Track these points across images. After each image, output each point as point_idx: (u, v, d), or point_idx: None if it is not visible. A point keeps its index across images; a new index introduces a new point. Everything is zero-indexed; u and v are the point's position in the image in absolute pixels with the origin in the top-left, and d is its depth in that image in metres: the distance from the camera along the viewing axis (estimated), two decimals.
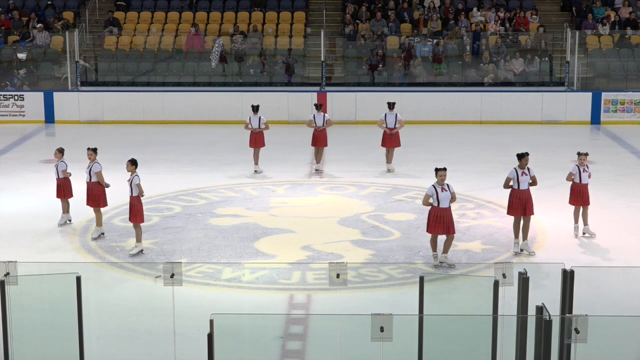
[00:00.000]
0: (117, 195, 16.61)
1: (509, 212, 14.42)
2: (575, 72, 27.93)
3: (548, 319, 8.20)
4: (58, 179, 15.89)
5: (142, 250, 14.30)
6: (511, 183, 14.28)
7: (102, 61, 29.34)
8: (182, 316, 10.60)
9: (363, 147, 23.20)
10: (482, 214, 16.66)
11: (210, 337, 8.06)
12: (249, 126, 20.09)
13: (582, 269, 10.51)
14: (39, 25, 29.67)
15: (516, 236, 14.37)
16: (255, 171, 20.07)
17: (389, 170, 20.26)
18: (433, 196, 13.46)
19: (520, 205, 14.17)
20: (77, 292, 9.45)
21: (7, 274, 9.35)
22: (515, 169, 14.25)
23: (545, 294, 10.16)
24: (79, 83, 28.23)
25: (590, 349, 8.24)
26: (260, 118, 20.07)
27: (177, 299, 9.79)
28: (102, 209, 15.33)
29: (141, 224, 14.36)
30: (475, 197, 17.85)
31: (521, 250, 14.29)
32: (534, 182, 14.30)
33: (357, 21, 30.06)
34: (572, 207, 15.28)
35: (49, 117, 27.41)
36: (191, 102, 27.56)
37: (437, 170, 13.53)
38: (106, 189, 15.29)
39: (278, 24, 30.79)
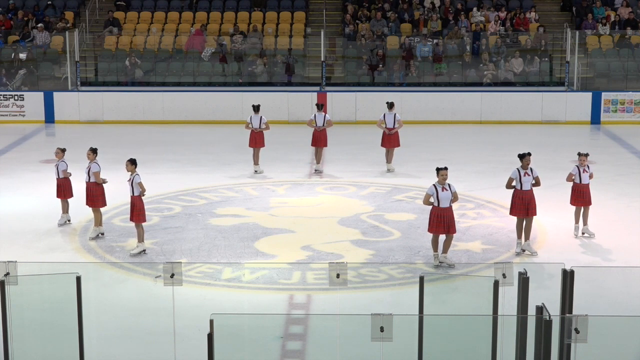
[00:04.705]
0: (117, 195, 16.63)
1: (511, 213, 14.41)
2: (575, 72, 27.94)
3: (548, 319, 8.20)
4: (58, 179, 15.88)
5: (144, 250, 14.26)
6: (513, 183, 14.27)
7: (102, 61, 29.34)
8: (182, 316, 10.60)
9: (363, 147, 23.20)
10: (482, 214, 16.66)
11: (210, 337, 8.06)
12: (250, 126, 20.07)
13: (582, 269, 10.51)
14: (39, 25, 29.68)
15: (519, 236, 14.35)
16: (255, 171, 20.06)
17: (389, 170, 20.26)
18: (433, 195, 13.47)
19: (522, 206, 14.15)
20: (77, 292, 9.45)
21: (7, 274, 9.35)
22: (517, 169, 14.25)
23: (546, 294, 10.16)
24: (79, 83, 28.24)
25: (590, 349, 8.24)
26: (261, 118, 20.06)
27: (177, 299, 9.79)
28: (101, 209, 15.32)
29: (143, 224, 14.35)
30: (475, 197, 17.85)
31: (523, 250, 14.29)
32: (537, 183, 14.30)
33: (357, 21, 30.07)
34: (573, 207, 15.28)
35: (49, 117, 27.41)
36: (191, 102, 27.56)
37: (438, 169, 13.53)
38: (105, 189, 15.28)
39: (278, 24, 30.80)
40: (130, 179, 14.17)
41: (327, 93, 27.32)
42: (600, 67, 28.89)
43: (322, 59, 28.17)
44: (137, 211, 14.14)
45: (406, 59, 28.68)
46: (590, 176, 15.17)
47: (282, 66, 28.86)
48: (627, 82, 28.27)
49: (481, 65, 28.52)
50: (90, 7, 31.43)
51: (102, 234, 15.22)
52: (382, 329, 7.85)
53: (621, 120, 27.05)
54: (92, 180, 15.15)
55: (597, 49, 29.15)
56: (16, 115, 27.42)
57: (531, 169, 14.24)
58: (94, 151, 15.27)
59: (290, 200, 17.79)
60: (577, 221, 15.21)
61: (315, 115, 20.49)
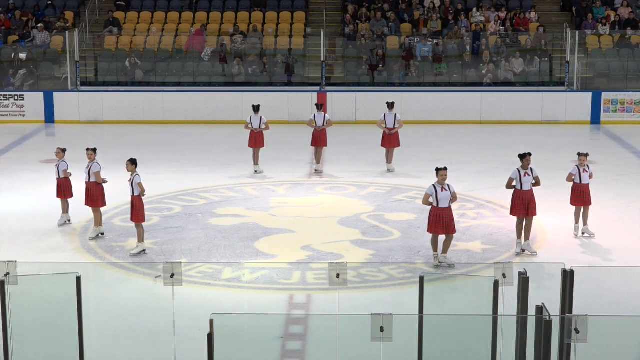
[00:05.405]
0: (117, 195, 16.63)
1: (511, 213, 14.41)
2: (575, 72, 27.94)
3: (548, 319, 8.20)
4: (58, 179, 15.88)
5: (144, 250, 14.26)
6: (514, 184, 14.27)
7: (102, 61, 29.34)
8: (182, 316, 10.60)
9: (363, 147, 23.20)
10: (482, 214, 16.66)
11: (210, 337, 8.06)
12: (250, 126, 20.08)
13: (582, 269, 10.52)
14: (39, 25, 29.68)
15: (519, 236, 14.36)
16: (255, 171, 20.06)
17: (389, 170, 20.26)
18: (432, 195, 13.47)
19: (523, 206, 14.15)
20: (77, 292, 9.45)
21: (7, 274, 9.35)
22: (518, 169, 14.25)
23: (546, 294, 10.16)
24: (79, 83, 28.24)
25: (590, 349, 8.24)
26: (261, 118, 20.06)
27: (177, 299, 9.80)
28: (101, 209, 15.32)
29: (143, 224, 14.35)
30: (475, 197, 17.85)
31: (523, 250, 14.29)
32: (537, 183, 14.30)
33: (357, 21, 30.07)
34: (573, 207, 15.28)
35: (49, 117, 27.42)
36: (191, 102, 27.57)
37: (437, 170, 13.54)
38: (105, 189, 15.28)
39: (278, 24, 30.79)
40: (130, 179, 14.18)
41: (327, 93, 27.32)
42: (600, 67, 28.89)
43: (322, 59, 28.17)
44: (136, 211, 14.15)
45: (406, 59, 28.68)
46: (590, 176, 15.17)
47: (282, 66, 28.86)
48: (627, 82, 28.27)
49: (481, 65, 28.52)
50: (90, 7, 31.43)
51: (102, 234, 15.22)
52: (382, 329, 7.85)
53: (621, 120, 27.05)
54: (92, 180, 15.16)
55: (597, 49, 29.15)
56: (16, 115, 27.42)
57: (531, 169, 14.24)
58: (94, 151, 15.29)
59: (290, 200, 17.79)
60: (577, 221, 15.21)
61: (315, 115, 20.49)
